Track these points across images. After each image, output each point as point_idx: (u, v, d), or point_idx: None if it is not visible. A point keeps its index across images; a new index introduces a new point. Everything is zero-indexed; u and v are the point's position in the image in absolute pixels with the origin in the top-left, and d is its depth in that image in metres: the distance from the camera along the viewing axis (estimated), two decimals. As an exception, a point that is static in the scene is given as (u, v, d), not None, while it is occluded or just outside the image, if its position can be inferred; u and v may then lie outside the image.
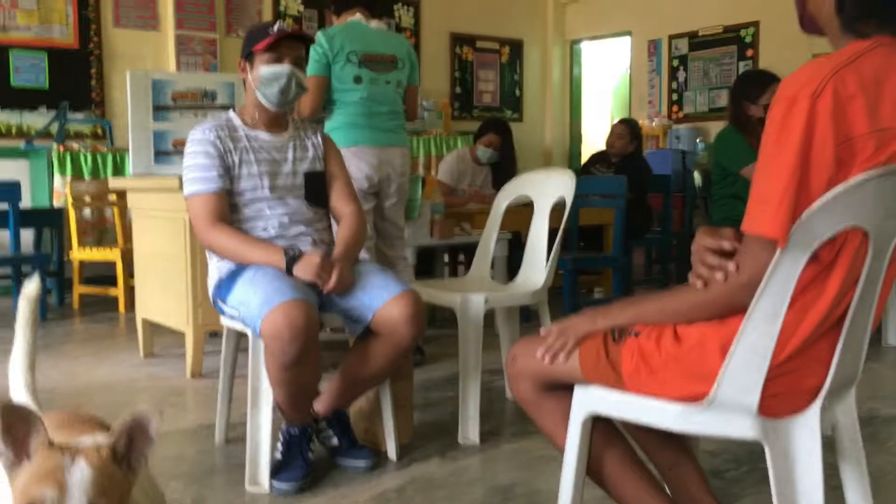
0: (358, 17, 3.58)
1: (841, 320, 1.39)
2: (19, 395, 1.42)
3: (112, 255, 5.21)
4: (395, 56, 3.62)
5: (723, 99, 7.77)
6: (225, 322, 2.52)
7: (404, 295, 2.36)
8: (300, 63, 2.58)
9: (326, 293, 2.36)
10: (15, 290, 5.22)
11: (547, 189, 3.09)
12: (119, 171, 5.76)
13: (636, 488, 1.65)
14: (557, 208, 3.06)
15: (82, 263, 5.43)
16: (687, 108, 8.15)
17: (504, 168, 5.34)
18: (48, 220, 5.46)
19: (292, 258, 2.36)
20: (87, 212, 5.64)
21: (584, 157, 9.11)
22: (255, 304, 2.23)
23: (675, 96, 8.25)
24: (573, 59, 9.33)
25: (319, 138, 2.69)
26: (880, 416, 3.01)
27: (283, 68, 2.49)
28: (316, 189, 2.62)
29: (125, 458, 1.05)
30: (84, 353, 4.12)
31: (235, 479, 2.38)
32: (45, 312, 5.02)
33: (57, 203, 5.54)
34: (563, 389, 1.65)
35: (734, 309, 1.39)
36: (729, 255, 1.40)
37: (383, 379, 2.51)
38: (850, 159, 1.29)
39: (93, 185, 5.60)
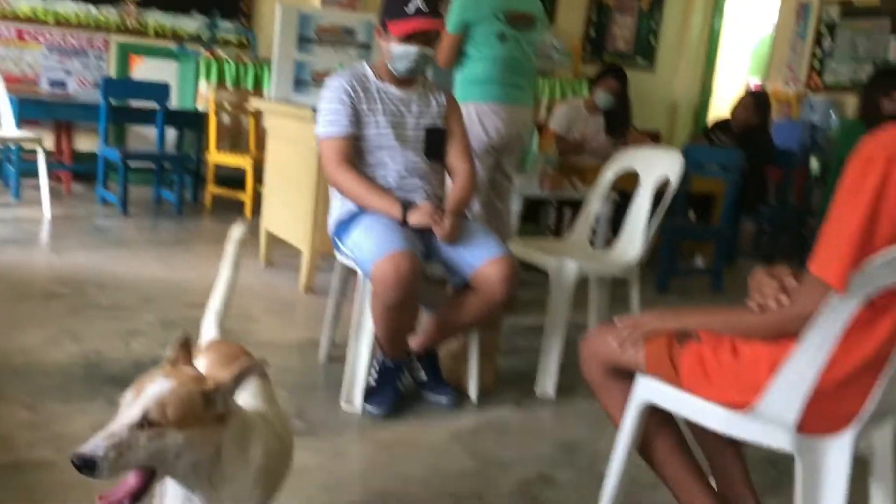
0: None
1: (886, 358, 1.52)
2: (209, 318, 1.75)
3: (244, 161, 5.61)
4: (534, 15, 3.71)
5: (867, 72, 7.44)
6: (339, 257, 2.80)
7: (502, 258, 2.57)
8: (431, 41, 2.72)
9: (439, 239, 2.58)
10: (157, 182, 5.72)
11: (653, 166, 3.20)
12: (259, 82, 6.11)
13: (679, 471, 1.84)
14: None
15: (217, 166, 5.85)
16: (828, 77, 7.84)
17: (618, 116, 5.37)
18: (191, 121, 5.89)
19: (407, 207, 2.59)
20: (225, 118, 6.03)
21: (713, 113, 8.96)
22: (368, 250, 2.48)
23: (816, 64, 7.94)
24: (716, 11, 9.04)
25: (444, 97, 2.88)
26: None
27: (413, 49, 2.66)
28: (435, 145, 2.83)
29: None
30: (213, 253, 4.51)
31: (333, 395, 2.69)
32: (180, 207, 5.48)
33: (200, 107, 5.95)
34: (626, 376, 1.84)
35: (788, 335, 1.54)
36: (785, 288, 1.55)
37: (473, 326, 2.75)
38: (915, 221, 1.40)
39: (234, 93, 5.98)
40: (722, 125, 5.96)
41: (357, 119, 2.70)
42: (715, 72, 9.26)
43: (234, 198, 5.83)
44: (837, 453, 1.57)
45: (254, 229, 4.62)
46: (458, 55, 3.62)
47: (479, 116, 3.58)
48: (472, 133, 3.46)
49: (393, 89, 2.77)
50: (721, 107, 8.96)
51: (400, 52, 2.66)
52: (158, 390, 1.20)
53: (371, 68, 2.80)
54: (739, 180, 4.87)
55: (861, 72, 7.52)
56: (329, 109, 2.70)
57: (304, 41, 3.92)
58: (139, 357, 2.88)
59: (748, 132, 5.70)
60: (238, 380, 1.27)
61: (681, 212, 5.14)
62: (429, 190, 2.78)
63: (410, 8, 2.63)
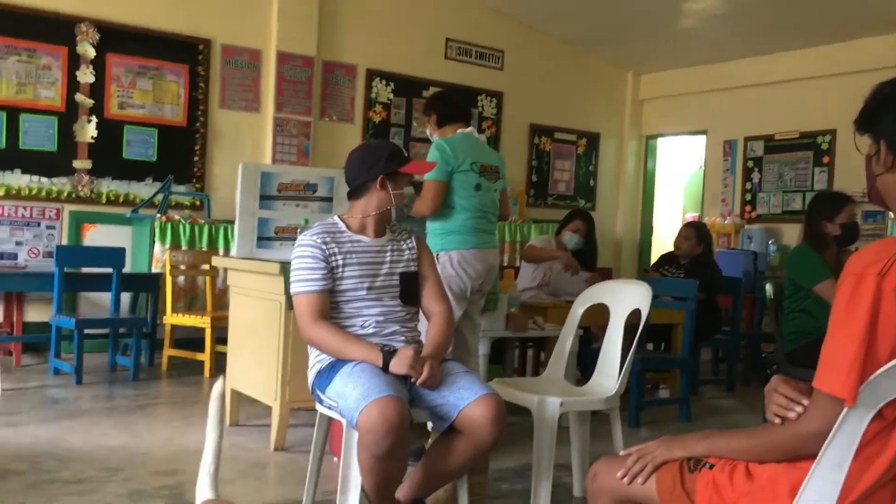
0: (470, 129, 3.93)
1: (903, 471, 1.53)
2: (203, 479, 1.69)
3: (202, 322, 5.53)
4: (499, 167, 3.98)
5: (797, 202, 7.86)
6: (320, 409, 2.73)
7: (488, 397, 2.55)
8: None
9: (419, 385, 2.55)
10: (111, 349, 5.58)
11: (623, 299, 3.26)
12: (214, 242, 6.13)
13: None
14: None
15: (173, 327, 5.76)
16: (760, 208, 8.24)
17: (586, 256, 5.56)
18: (146, 284, 5.83)
19: (388, 353, 2.58)
20: (180, 279, 6.00)
21: (654, 249, 9.26)
22: (353, 398, 2.44)
23: (748, 196, 8.36)
24: (648, 153, 9.54)
25: (414, 241, 2.94)
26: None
27: (411, 189, 2.85)
28: (409, 289, 2.85)
29: None
30: (175, 416, 4.40)
31: (321, 558, 2.56)
32: (136, 373, 5.33)
33: (155, 269, 5.92)
34: (639, 510, 1.80)
35: (802, 455, 1.55)
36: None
37: (462, 474, 2.68)
38: (912, 332, 1.45)
39: (189, 254, 5.97)
40: (668, 258, 6.16)
41: (331, 273, 2.72)
42: (653, 209, 9.66)
43: (191, 359, 5.71)
44: (866, 574, 1.54)
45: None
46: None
47: (460, 263, 3.73)
48: (455, 279, 3.70)
49: (367, 239, 2.82)
50: (662, 243, 9.30)
51: (410, 192, 2.83)
52: None
53: (342, 221, 2.85)
54: (695, 309, 4.98)
55: (791, 202, 7.94)
56: (302, 266, 2.72)
57: (265, 198, 3.98)
58: (110, 532, 2.72)
59: (694, 262, 5.89)
60: None
61: (642, 345, 5.20)
62: (407, 335, 2.78)
63: (403, 154, 2.87)
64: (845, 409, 1.46)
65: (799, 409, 1.56)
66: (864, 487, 1.51)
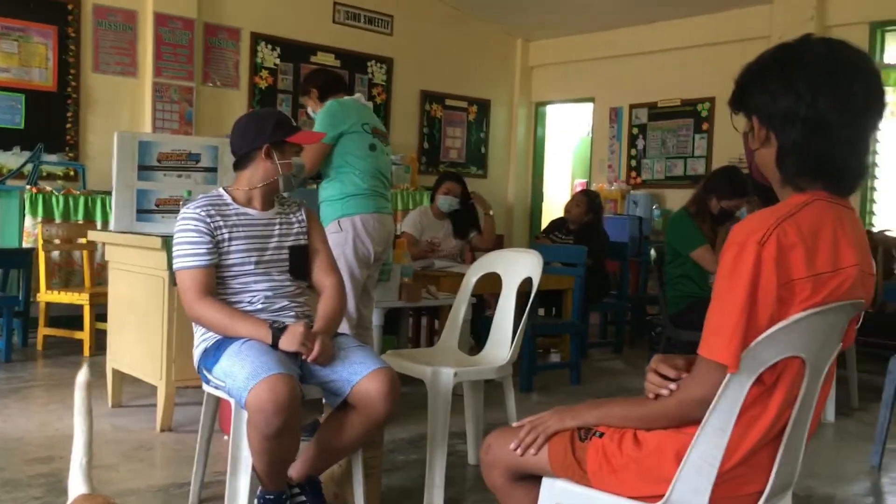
0: (358, 96, 3.86)
1: (781, 433, 1.59)
2: (74, 472, 1.59)
3: (80, 298, 5.26)
4: (386, 133, 3.93)
5: (679, 168, 8.13)
6: (207, 389, 2.64)
7: (381, 371, 2.51)
8: None
9: (310, 362, 2.50)
10: (-21, 330, 5.23)
11: (516, 268, 3.28)
12: (90, 214, 5.82)
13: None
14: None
15: (48, 305, 5.46)
16: (645, 174, 8.48)
17: (463, 217, 5.54)
18: (16, 260, 5.48)
19: (278, 330, 2.50)
20: (55, 253, 5.68)
21: (545, 215, 9.42)
22: (242, 377, 2.36)
23: (633, 162, 8.59)
24: (538, 120, 9.65)
25: (303, 213, 2.86)
26: (816, 496, 3.22)
27: (300, 160, 2.73)
28: (299, 263, 2.78)
29: None
30: (51, 399, 4.17)
31: (211, 542, 2.48)
32: (9, 354, 5.03)
33: (26, 243, 5.58)
34: (532, 480, 1.81)
35: (687, 421, 1.59)
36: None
37: (356, 449, 2.65)
38: (790, 298, 1.50)
39: (63, 227, 5.65)
40: (558, 224, 6.27)
41: (216, 247, 2.61)
42: (543, 176, 9.80)
43: (69, 338, 5.43)
44: (747, 532, 1.60)
45: (98, 369, 4.32)
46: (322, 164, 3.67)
47: (364, 228, 3.65)
48: (359, 243, 3.63)
49: (254, 212, 2.71)
50: (552, 208, 9.45)
51: (298, 163, 2.73)
52: None
53: (228, 193, 2.74)
54: (584, 274, 5.09)
55: (674, 168, 8.20)
56: (185, 240, 2.60)
57: (144, 169, 3.78)
58: (-19, 527, 2.55)
59: (584, 228, 6.01)
60: None
61: (533, 310, 5.28)
62: (297, 310, 2.71)
63: (291, 123, 2.75)
64: (728, 375, 1.50)
65: (672, 385, 1.61)
66: (745, 449, 1.56)
